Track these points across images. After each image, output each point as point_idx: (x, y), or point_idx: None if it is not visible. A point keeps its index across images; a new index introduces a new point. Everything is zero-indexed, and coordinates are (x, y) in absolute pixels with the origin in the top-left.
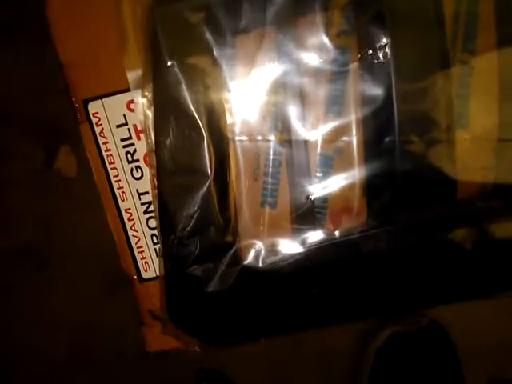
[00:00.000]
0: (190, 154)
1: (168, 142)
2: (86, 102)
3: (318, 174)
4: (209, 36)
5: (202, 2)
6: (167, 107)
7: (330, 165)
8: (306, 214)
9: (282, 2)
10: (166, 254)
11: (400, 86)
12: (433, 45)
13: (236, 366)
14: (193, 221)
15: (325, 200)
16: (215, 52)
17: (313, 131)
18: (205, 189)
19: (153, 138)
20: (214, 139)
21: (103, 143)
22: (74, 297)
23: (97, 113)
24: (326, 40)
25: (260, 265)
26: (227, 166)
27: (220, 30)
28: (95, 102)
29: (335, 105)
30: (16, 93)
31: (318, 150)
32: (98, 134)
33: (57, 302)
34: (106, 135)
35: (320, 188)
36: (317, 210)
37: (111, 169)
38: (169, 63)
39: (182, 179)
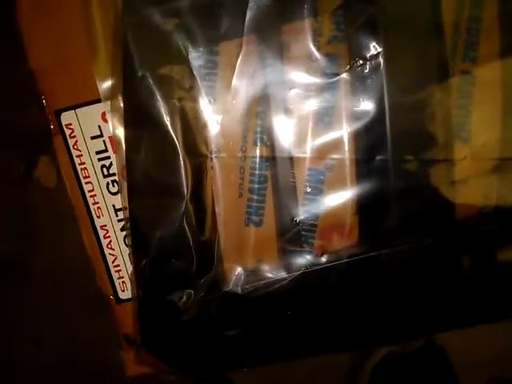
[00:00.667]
0: (164, 172)
1: (140, 158)
2: (58, 113)
3: (308, 190)
4: (183, 44)
5: (174, 7)
6: (139, 120)
7: (322, 180)
8: (293, 238)
9: (265, 8)
10: (137, 280)
11: (393, 98)
12: (430, 54)
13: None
14: (167, 243)
15: (315, 217)
16: (191, 61)
17: (300, 147)
18: (181, 209)
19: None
20: (190, 155)
21: (77, 156)
22: (57, 311)
23: (70, 124)
24: (314, 48)
25: (242, 291)
26: (205, 184)
27: (196, 37)
28: (68, 112)
29: (325, 118)
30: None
31: (307, 164)
32: (71, 147)
33: (39, 317)
34: (80, 148)
35: (309, 205)
36: (306, 227)
37: (86, 183)
38: (140, 73)
39: (156, 199)
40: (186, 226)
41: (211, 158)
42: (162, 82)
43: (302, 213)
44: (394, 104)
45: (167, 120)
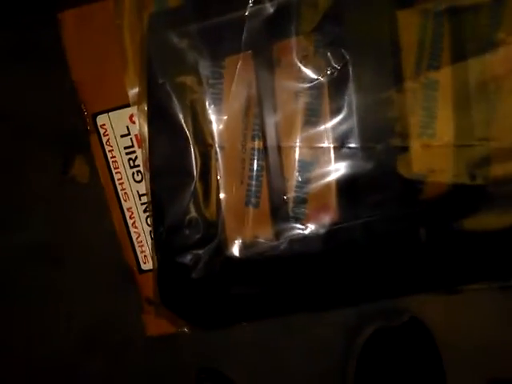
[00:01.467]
0: (178, 157)
1: (160, 148)
2: (94, 116)
3: (299, 179)
4: (194, 58)
5: (186, 30)
6: (159, 118)
7: (309, 169)
8: (283, 213)
9: (258, 29)
10: (156, 245)
11: (359, 98)
12: (387, 64)
13: (229, 356)
14: (180, 215)
15: (304, 200)
16: (201, 72)
17: (290, 139)
18: (191, 187)
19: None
20: (199, 144)
21: (109, 151)
22: (88, 289)
23: (104, 124)
24: (297, 61)
25: (241, 255)
26: (211, 169)
27: (204, 53)
28: (103, 115)
29: (309, 115)
30: (39, 110)
31: (297, 153)
32: (104, 143)
33: (70, 295)
34: (111, 144)
35: (298, 190)
36: (296, 209)
37: (116, 173)
38: (160, 81)
39: (171, 178)
40: (195, 202)
41: (216, 148)
42: (177, 88)
43: (292, 194)
44: (360, 102)
45: (181, 118)
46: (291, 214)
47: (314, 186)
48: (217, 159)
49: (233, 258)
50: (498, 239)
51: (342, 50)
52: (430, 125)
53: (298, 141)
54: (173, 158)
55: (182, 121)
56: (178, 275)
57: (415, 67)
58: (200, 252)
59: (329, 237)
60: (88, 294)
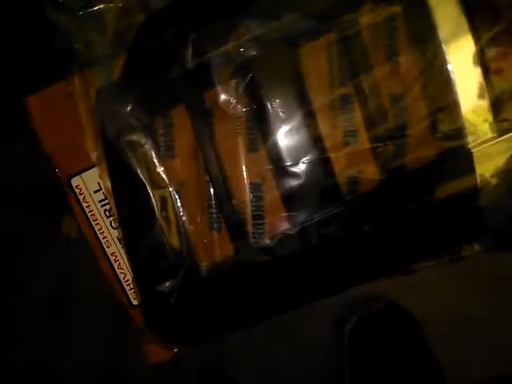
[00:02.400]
0: (141, 204)
1: (123, 198)
2: (69, 179)
3: (253, 199)
4: (138, 117)
5: (125, 98)
6: (118, 173)
7: (260, 189)
8: (239, 231)
9: (189, 84)
10: (135, 279)
11: (280, 125)
12: (296, 93)
13: (228, 362)
14: (151, 251)
15: (261, 217)
16: (147, 128)
17: (237, 166)
18: (156, 226)
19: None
20: (156, 189)
21: (86, 206)
22: (95, 335)
23: (78, 185)
24: (226, 103)
25: (212, 274)
26: (168, 206)
27: (144, 112)
28: (76, 177)
29: (252, 144)
30: (25, 179)
31: (246, 180)
32: (81, 201)
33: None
34: (87, 200)
35: (254, 208)
36: (256, 225)
37: (95, 224)
38: (114, 142)
39: (138, 223)
40: (161, 237)
41: (169, 189)
42: (128, 145)
43: (249, 213)
44: (281, 129)
45: (137, 169)
46: (252, 229)
47: (267, 202)
48: (174, 197)
49: (205, 278)
50: (437, 215)
51: (258, 90)
52: (354, 133)
53: (243, 167)
54: (135, 204)
55: (138, 171)
56: (158, 303)
57: (328, 88)
58: (174, 279)
59: (280, 244)
60: (96, 340)
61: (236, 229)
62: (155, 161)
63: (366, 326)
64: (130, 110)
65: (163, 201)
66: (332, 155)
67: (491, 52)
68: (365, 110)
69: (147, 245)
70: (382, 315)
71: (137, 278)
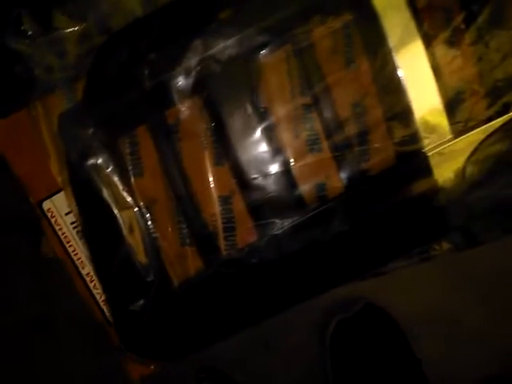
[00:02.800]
0: (107, 224)
1: (89, 220)
2: (40, 203)
3: (223, 212)
4: (102, 139)
5: (88, 123)
6: (84, 196)
7: (229, 202)
8: (209, 246)
9: (148, 102)
10: (106, 299)
11: (240, 141)
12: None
13: None
14: (120, 270)
15: (232, 229)
16: (108, 151)
17: (204, 180)
18: (124, 245)
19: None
20: (122, 210)
21: (59, 229)
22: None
23: (49, 208)
24: (188, 119)
25: (184, 288)
26: (134, 226)
27: (106, 135)
28: (47, 201)
29: (218, 158)
30: (5, 199)
31: (215, 194)
32: (53, 224)
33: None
34: (59, 223)
35: (226, 220)
36: (228, 237)
37: (69, 246)
38: (76, 166)
39: (105, 244)
40: (129, 255)
41: (134, 209)
42: (92, 168)
43: (220, 225)
44: (241, 144)
45: (102, 191)
46: (224, 242)
47: (236, 214)
48: (143, 216)
49: (177, 293)
50: (402, 216)
51: (216, 106)
52: (316, 142)
53: (211, 180)
54: (102, 226)
55: (103, 193)
56: (131, 321)
57: (290, 98)
58: (145, 297)
59: (250, 255)
60: (81, 357)
61: (206, 242)
62: (120, 182)
63: (346, 329)
64: (92, 132)
65: (130, 220)
66: (296, 165)
67: (443, 54)
68: (323, 119)
69: (116, 265)
70: (361, 316)
71: (108, 300)
